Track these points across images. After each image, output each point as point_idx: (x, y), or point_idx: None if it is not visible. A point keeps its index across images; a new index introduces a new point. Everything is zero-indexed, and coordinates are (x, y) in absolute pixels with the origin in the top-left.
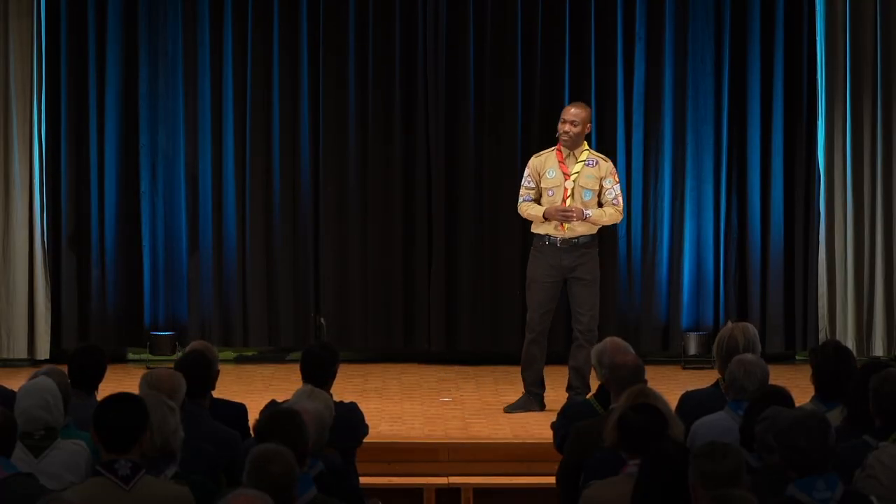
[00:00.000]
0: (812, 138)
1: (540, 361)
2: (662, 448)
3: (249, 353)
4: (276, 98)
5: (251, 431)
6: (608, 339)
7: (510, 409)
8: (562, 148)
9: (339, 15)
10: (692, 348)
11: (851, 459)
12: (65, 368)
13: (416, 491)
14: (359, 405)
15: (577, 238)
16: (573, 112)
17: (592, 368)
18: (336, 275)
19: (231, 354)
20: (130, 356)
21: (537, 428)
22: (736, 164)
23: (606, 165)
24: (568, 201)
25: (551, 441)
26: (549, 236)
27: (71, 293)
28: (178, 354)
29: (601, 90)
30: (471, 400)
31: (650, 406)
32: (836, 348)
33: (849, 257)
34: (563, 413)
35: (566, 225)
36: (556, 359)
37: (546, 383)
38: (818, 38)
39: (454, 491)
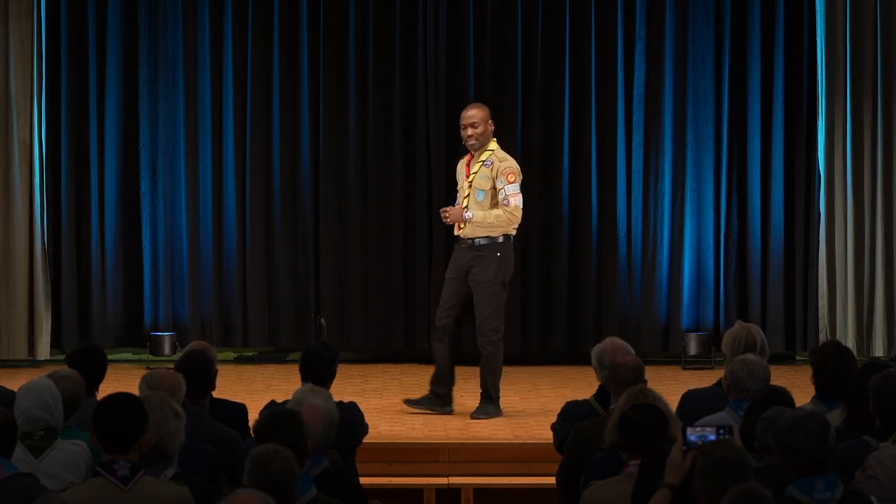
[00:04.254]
0: (812, 138)
1: (441, 358)
2: (662, 448)
3: (249, 353)
4: (276, 98)
5: (251, 431)
6: (608, 340)
7: (412, 403)
8: (472, 152)
9: (339, 15)
10: (692, 348)
11: (851, 459)
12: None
13: (416, 491)
14: (358, 405)
15: (473, 239)
16: (469, 114)
17: (593, 369)
18: (336, 275)
19: (231, 354)
20: (130, 356)
21: (537, 428)
22: (736, 164)
23: (500, 165)
24: (465, 202)
25: (551, 441)
26: (456, 237)
27: (71, 293)
28: (179, 354)
29: (601, 91)
30: (471, 400)
31: (650, 406)
32: (837, 348)
33: (849, 257)
34: (563, 414)
35: (461, 225)
36: (556, 359)
37: (545, 383)
38: (818, 39)
39: (454, 491)
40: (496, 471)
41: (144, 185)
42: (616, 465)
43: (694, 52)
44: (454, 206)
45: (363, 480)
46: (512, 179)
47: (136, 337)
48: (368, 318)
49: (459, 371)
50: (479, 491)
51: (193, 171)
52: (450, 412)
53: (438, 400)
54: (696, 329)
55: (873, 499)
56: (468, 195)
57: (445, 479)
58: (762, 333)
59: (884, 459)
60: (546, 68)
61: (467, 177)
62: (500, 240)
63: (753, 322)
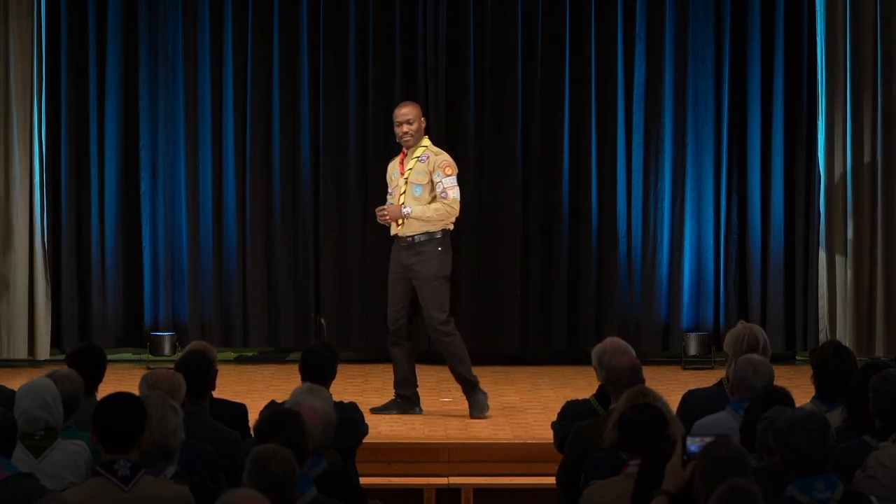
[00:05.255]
0: (812, 138)
1: (401, 360)
2: (662, 448)
3: (249, 353)
4: (276, 98)
5: (251, 431)
6: (608, 340)
7: (379, 410)
8: (406, 150)
9: (339, 15)
10: (692, 348)
11: (851, 459)
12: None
13: (416, 491)
14: (358, 405)
15: (412, 236)
16: (404, 112)
17: (593, 369)
18: (336, 275)
19: (231, 354)
20: (130, 356)
21: (537, 428)
22: (736, 164)
23: (436, 159)
24: (401, 199)
25: (551, 441)
26: (394, 236)
27: (71, 293)
28: (178, 355)
29: (601, 90)
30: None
31: (650, 406)
32: (837, 348)
33: (849, 257)
34: (563, 413)
35: (400, 222)
36: (556, 359)
37: (545, 383)
38: (818, 39)
39: (454, 491)
40: (496, 471)
41: (144, 185)
42: (616, 465)
43: (694, 52)
44: (389, 205)
45: (363, 480)
46: (449, 172)
47: (136, 337)
48: (368, 318)
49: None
50: (479, 491)
51: (193, 171)
52: (419, 413)
53: (406, 403)
54: (696, 329)
55: (873, 499)
56: (404, 192)
57: (445, 479)
58: (765, 334)
59: (884, 459)
60: (546, 68)
61: (402, 174)
62: (439, 235)
63: (753, 322)
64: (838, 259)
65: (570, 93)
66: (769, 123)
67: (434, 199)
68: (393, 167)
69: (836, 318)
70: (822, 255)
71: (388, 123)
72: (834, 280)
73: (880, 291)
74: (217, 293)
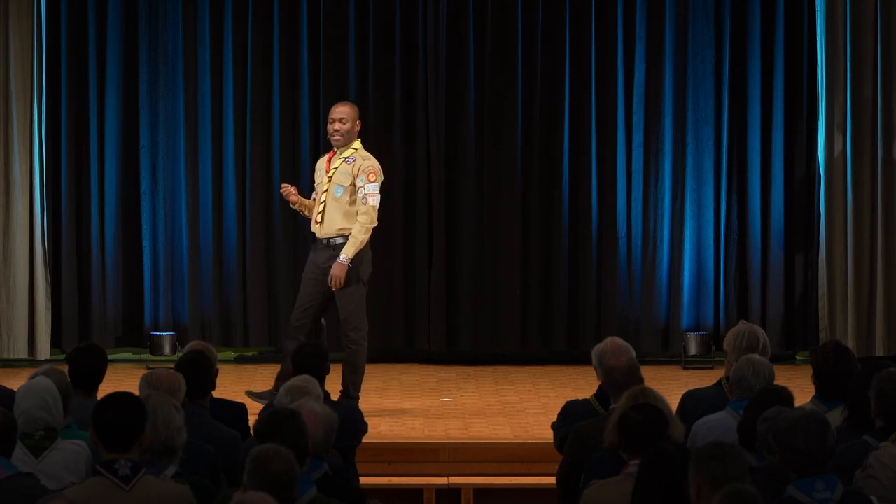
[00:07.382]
0: (812, 138)
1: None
2: (662, 448)
3: (249, 354)
4: (276, 98)
5: (251, 431)
6: (608, 340)
7: (254, 395)
8: (335, 148)
9: (339, 15)
10: (692, 348)
11: (851, 459)
12: (65, 369)
13: (416, 491)
14: (358, 404)
15: (330, 239)
16: (340, 109)
17: (594, 369)
18: None
19: (231, 354)
20: (130, 356)
21: (537, 428)
22: (736, 164)
23: (363, 164)
24: (323, 196)
25: (551, 441)
26: (314, 236)
27: (71, 293)
28: (179, 355)
29: (601, 90)
30: (471, 400)
31: (651, 406)
32: (837, 348)
33: (849, 257)
34: (563, 413)
35: (317, 220)
36: (556, 359)
37: (545, 383)
38: (818, 38)
39: (454, 491)
40: (496, 471)
41: (144, 185)
42: (616, 465)
43: (694, 52)
44: (311, 199)
45: (363, 480)
46: (373, 179)
47: (136, 337)
48: (369, 318)
49: (459, 371)
50: (479, 491)
51: (193, 171)
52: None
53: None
54: (696, 329)
55: (873, 499)
56: (326, 190)
57: (445, 479)
58: (765, 334)
59: (884, 459)
60: (546, 68)
61: (328, 171)
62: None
63: (753, 322)
64: (838, 259)
65: (570, 93)
66: (769, 123)
67: (354, 202)
68: (320, 164)
69: (836, 318)
70: (822, 255)
71: (388, 124)
72: (834, 280)
73: (880, 291)
74: (217, 293)
